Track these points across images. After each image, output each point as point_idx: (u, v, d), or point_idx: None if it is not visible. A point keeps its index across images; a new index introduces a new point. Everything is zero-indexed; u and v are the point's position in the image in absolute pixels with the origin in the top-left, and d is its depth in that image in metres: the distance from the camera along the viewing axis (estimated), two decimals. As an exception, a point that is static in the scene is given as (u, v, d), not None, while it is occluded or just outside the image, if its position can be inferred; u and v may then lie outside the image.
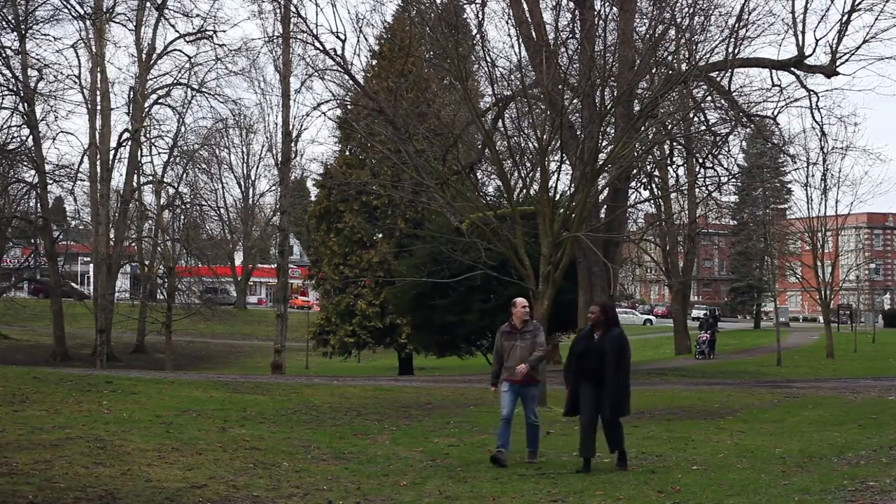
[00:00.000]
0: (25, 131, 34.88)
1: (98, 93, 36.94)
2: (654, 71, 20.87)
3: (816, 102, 25.06)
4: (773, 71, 24.50)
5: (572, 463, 10.09)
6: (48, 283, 42.35)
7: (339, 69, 24.93)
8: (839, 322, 59.33)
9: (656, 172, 33.21)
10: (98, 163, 37.25)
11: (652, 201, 37.42)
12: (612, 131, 22.06)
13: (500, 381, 10.30)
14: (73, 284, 57.42)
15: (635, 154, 20.83)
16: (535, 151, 19.59)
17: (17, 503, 7.14)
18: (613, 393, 9.34)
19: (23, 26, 23.96)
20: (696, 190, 36.85)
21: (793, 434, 12.46)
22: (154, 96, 39.71)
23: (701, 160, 26.84)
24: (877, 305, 70.33)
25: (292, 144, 33.92)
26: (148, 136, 39.67)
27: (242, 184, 68.79)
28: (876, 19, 23.67)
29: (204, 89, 39.83)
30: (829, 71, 24.08)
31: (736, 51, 21.17)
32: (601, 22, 19.36)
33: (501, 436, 10.07)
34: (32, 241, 40.40)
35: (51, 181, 37.04)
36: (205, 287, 44.48)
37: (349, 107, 31.58)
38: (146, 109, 38.76)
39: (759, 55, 29.68)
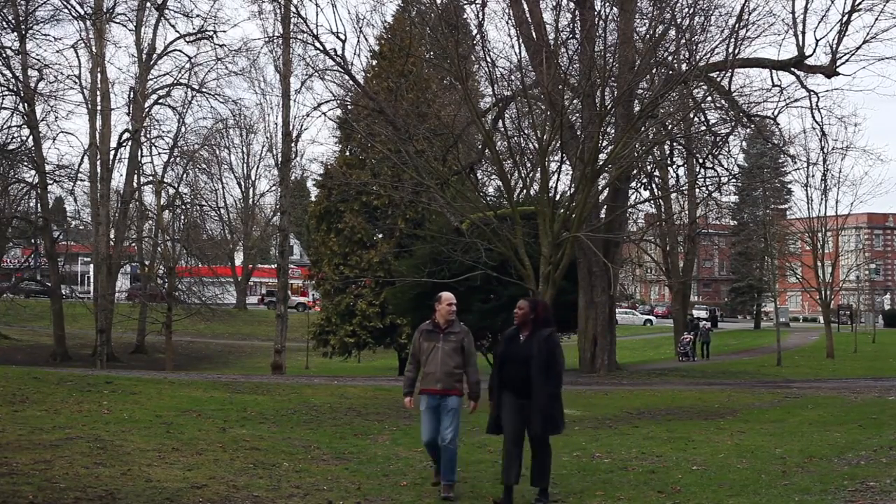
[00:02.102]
0: (26, 131, 34.91)
1: (98, 93, 36.94)
2: (654, 71, 20.91)
3: (817, 103, 25.13)
4: (774, 71, 24.55)
5: (572, 463, 10.08)
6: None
7: (340, 69, 24.93)
8: (839, 322, 59.34)
9: (656, 172, 33.26)
10: (98, 163, 37.25)
11: (652, 201, 37.47)
12: (613, 131, 22.09)
13: (418, 391, 8.63)
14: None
15: (635, 154, 20.85)
16: (535, 151, 19.60)
17: (18, 503, 7.13)
18: (544, 405, 7.76)
19: (23, 26, 23.97)
20: (697, 190, 36.90)
21: (793, 434, 12.45)
22: (154, 96, 39.73)
23: (701, 160, 26.89)
24: (877, 306, 70.36)
25: (292, 144, 33.90)
26: (148, 136, 39.70)
27: (242, 184, 68.83)
28: (876, 19, 23.85)
29: (204, 89, 39.87)
30: (830, 71, 24.12)
31: (736, 51, 21.21)
32: (601, 22, 19.40)
33: (435, 459, 8.52)
34: (32, 241, 40.37)
35: (51, 181, 37.06)
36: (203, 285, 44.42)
37: (349, 107, 31.57)
38: (146, 109, 38.77)
39: (760, 55, 29.75)
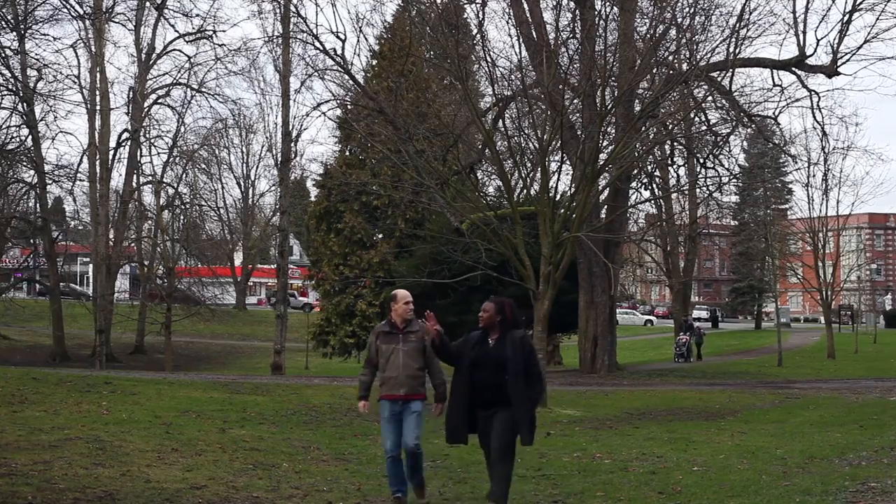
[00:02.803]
0: (25, 131, 34.83)
1: (97, 93, 36.92)
2: (654, 71, 20.89)
3: (817, 102, 25.14)
4: (774, 71, 24.55)
5: (573, 464, 10.04)
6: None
7: (339, 69, 24.94)
8: (840, 323, 59.30)
9: (657, 172, 33.27)
10: (97, 163, 37.20)
11: (653, 201, 37.48)
12: (613, 131, 22.06)
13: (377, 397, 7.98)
14: (72, 286, 57.45)
15: (636, 154, 20.84)
16: (535, 151, 19.58)
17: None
18: (529, 412, 7.13)
19: (22, 26, 23.91)
20: (697, 190, 36.89)
21: (794, 435, 12.43)
22: (153, 96, 39.70)
23: (702, 160, 26.89)
24: (878, 306, 70.31)
25: (292, 144, 33.89)
26: (147, 136, 39.69)
27: (242, 184, 68.77)
28: (877, 19, 23.77)
29: (203, 89, 39.82)
30: (830, 71, 24.11)
31: (737, 51, 21.22)
32: (602, 22, 19.37)
33: (394, 477, 7.86)
34: (32, 241, 40.32)
35: (50, 181, 36.97)
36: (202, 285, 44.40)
37: (349, 107, 31.56)
38: (146, 109, 38.74)
39: (760, 55, 29.71)
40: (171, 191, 40.95)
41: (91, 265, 45.36)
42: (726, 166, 28.08)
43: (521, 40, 21.44)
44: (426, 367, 7.82)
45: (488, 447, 7.25)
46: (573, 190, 19.79)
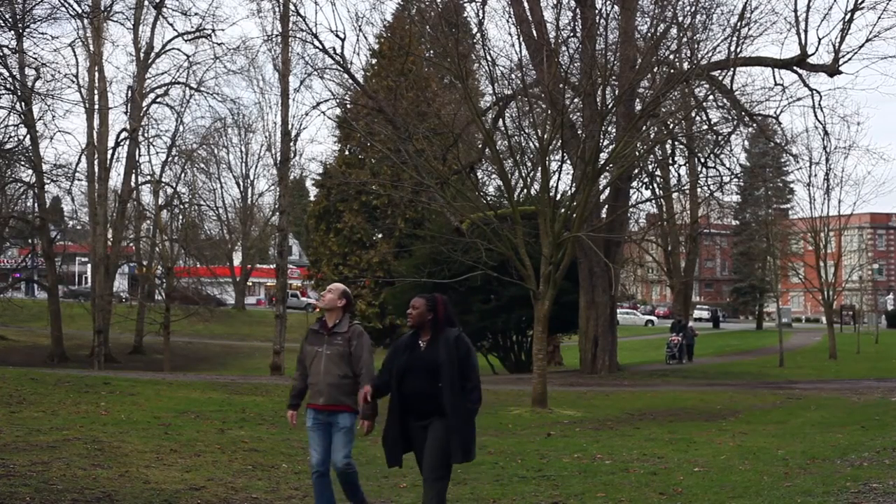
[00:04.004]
0: (23, 130, 34.77)
1: (96, 92, 36.86)
2: (655, 70, 20.84)
3: (819, 101, 25.13)
4: (776, 70, 24.51)
5: (574, 464, 9.99)
6: None
7: (339, 68, 24.87)
8: (842, 323, 59.28)
9: (658, 172, 33.24)
10: (96, 162, 37.16)
11: (653, 201, 37.45)
12: (614, 130, 22.01)
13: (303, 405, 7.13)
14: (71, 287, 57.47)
15: (637, 153, 20.79)
16: (535, 151, 19.53)
17: (13, 505, 7.06)
18: (462, 425, 6.21)
19: (20, 25, 23.84)
20: (698, 189, 36.87)
21: (795, 435, 12.39)
22: (152, 95, 39.61)
23: (703, 160, 26.86)
24: (880, 306, 70.31)
25: (291, 144, 33.85)
26: (146, 135, 39.57)
27: (241, 183, 68.70)
28: (879, 18, 23.76)
29: (202, 88, 39.76)
30: (832, 70, 24.06)
31: (738, 49, 21.17)
32: (602, 20, 19.31)
33: (319, 498, 7.00)
34: (30, 241, 40.28)
35: (48, 181, 36.89)
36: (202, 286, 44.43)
37: (349, 106, 31.54)
38: (144, 109, 38.66)
39: (762, 54, 29.72)
40: (169, 190, 40.92)
41: (89, 265, 45.28)
42: (727, 166, 28.07)
43: (521, 39, 21.41)
44: (354, 375, 6.82)
45: (422, 463, 6.38)
46: (574, 189, 19.75)
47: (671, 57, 21.35)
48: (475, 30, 24.22)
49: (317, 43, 24.15)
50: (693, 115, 23.97)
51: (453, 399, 6.18)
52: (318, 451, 6.87)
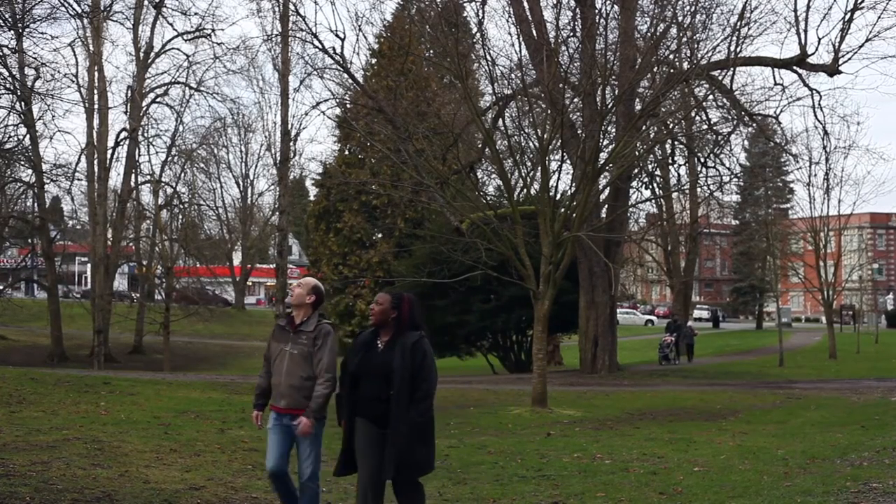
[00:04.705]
0: (22, 130, 34.75)
1: (96, 91, 36.85)
2: (655, 69, 20.83)
3: (819, 101, 25.12)
4: (776, 70, 24.50)
5: (574, 464, 9.98)
6: None
7: (339, 68, 24.84)
8: (842, 323, 59.27)
9: (658, 172, 33.25)
10: (95, 162, 37.14)
11: (653, 201, 37.44)
12: (614, 130, 22.01)
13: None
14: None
15: (636, 153, 20.78)
16: (535, 150, 19.53)
17: (12, 505, 7.06)
18: (403, 439, 5.75)
19: (20, 24, 23.85)
20: (698, 189, 36.87)
21: (795, 435, 12.38)
22: (152, 95, 39.61)
23: (703, 159, 26.86)
24: (880, 306, 70.30)
25: (291, 143, 33.89)
26: (146, 135, 39.58)
27: (241, 183, 68.69)
28: (879, 17, 23.76)
29: (202, 88, 39.75)
30: (832, 69, 24.06)
31: (738, 49, 21.16)
32: (602, 20, 19.31)
33: (284, 497, 6.52)
34: (30, 241, 40.27)
35: (48, 181, 36.87)
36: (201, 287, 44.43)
37: (348, 106, 31.53)
38: (144, 108, 38.65)
39: (761, 54, 29.69)
40: (169, 190, 40.93)
41: (89, 265, 45.27)
42: (727, 165, 28.07)
43: (521, 39, 21.41)
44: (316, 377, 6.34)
45: (366, 472, 6.01)
46: (573, 189, 19.75)
47: (671, 57, 21.34)
48: (475, 29, 24.23)
49: (316, 43, 24.13)
50: (693, 114, 23.96)
51: (398, 410, 5.75)
52: (275, 453, 6.38)
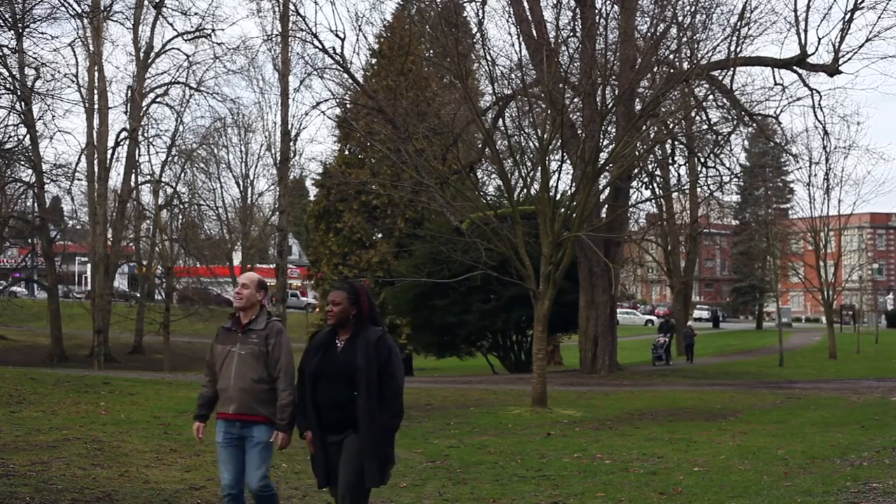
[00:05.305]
0: (22, 130, 34.74)
1: (96, 91, 36.82)
2: (655, 69, 20.82)
3: (819, 101, 25.11)
4: (776, 70, 24.49)
5: (574, 464, 9.98)
6: None
7: (339, 68, 24.85)
8: (842, 323, 59.27)
9: (658, 172, 33.24)
10: (95, 162, 37.12)
11: (653, 201, 37.42)
12: (614, 130, 22.00)
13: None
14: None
15: (636, 153, 20.77)
16: (535, 150, 19.52)
17: (12, 505, 7.06)
18: (373, 443, 5.38)
19: (20, 24, 23.85)
20: (698, 189, 36.87)
21: (795, 435, 12.37)
22: (152, 95, 39.59)
23: (703, 159, 26.85)
24: (880, 306, 70.30)
25: (291, 143, 33.87)
26: (146, 135, 39.55)
27: (241, 183, 68.43)
28: (879, 17, 23.74)
29: (202, 88, 39.69)
30: (832, 69, 24.05)
31: (738, 49, 21.14)
32: (602, 20, 19.31)
33: None
34: (29, 240, 40.27)
35: (48, 180, 36.87)
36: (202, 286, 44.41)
37: (348, 106, 31.51)
38: (144, 108, 38.63)
39: (762, 54, 29.70)
40: (169, 190, 40.90)
41: (89, 265, 45.27)
42: (727, 165, 28.06)
43: (521, 39, 21.38)
44: (271, 380, 5.85)
45: (321, 479, 5.63)
46: (573, 189, 19.74)
47: (671, 57, 21.33)
48: (475, 29, 24.21)
49: (316, 43, 24.14)
50: (693, 114, 23.95)
51: (369, 412, 5.36)
52: (230, 470, 5.86)
